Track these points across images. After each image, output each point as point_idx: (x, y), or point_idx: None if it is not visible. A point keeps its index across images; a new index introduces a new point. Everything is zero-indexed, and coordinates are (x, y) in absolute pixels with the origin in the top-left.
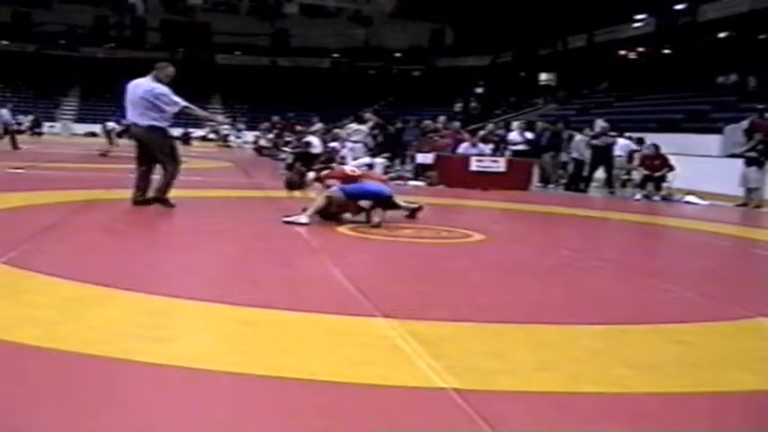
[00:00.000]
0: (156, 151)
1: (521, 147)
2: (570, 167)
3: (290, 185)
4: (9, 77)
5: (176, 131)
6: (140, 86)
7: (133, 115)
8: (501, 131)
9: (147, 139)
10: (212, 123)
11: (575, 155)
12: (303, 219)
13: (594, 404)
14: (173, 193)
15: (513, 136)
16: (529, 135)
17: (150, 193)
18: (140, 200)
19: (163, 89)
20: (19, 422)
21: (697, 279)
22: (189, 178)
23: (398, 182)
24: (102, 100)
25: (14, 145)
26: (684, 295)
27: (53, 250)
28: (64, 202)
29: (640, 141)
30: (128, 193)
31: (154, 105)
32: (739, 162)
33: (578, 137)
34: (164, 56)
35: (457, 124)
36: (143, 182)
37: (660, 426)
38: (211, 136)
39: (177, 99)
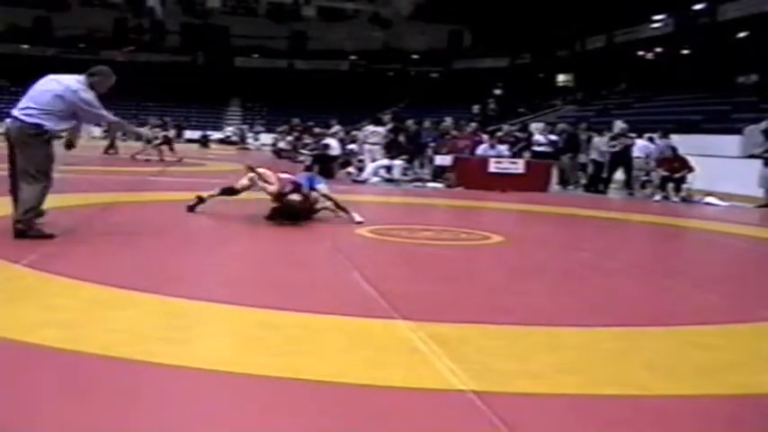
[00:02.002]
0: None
1: (544, 148)
2: (590, 169)
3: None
4: (30, 82)
5: (195, 134)
6: (61, 83)
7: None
8: (518, 133)
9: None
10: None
11: (594, 156)
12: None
13: (615, 407)
14: (177, 197)
15: (538, 137)
16: (553, 137)
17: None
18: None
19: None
20: (40, 423)
21: (717, 281)
22: (208, 181)
23: (417, 184)
24: (122, 103)
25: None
26: (705, 297)
27: (73, 253)
28: (83, 205)
29: (651, 140)
30: (146, 196)
31: (69, 110)
32: (758, 163)
33: (596, 138)
34: (183, 59)
35: (473, 125)
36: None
37: (681, 428)
38: (233, 139)
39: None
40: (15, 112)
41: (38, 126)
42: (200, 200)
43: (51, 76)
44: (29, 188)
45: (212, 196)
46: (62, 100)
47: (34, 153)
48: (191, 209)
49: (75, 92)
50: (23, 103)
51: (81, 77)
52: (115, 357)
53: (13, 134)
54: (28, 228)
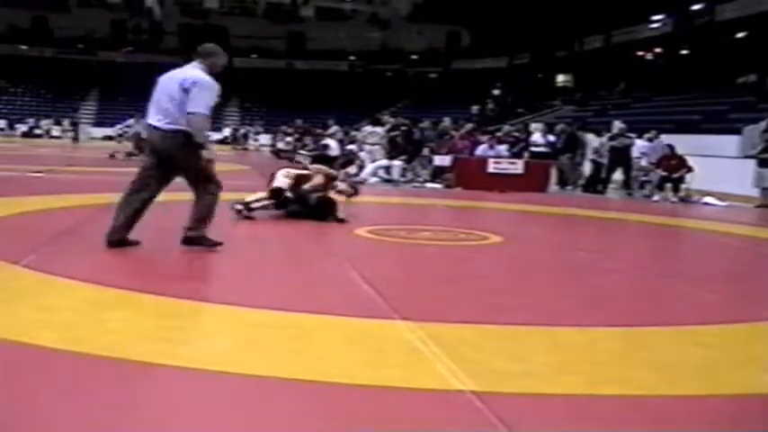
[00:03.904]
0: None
1: (542, 149)
2: (585, 169)
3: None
4: (29, 82)
5: None
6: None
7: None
8: (517, 134)
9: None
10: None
11: (593, 156)
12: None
13: (615, 406)
14: (175, 197)
15: (536, 138)
16: (551, 138)
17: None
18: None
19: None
20: (38, 424)
21: (717, 281)
22: None
23: (416, 184)
24: (120, 104)
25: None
26: (705, 297)
27: (71, 253)
28: (81, 206)
29: (650, 140)
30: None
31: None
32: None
33: (590, 136)
34: (182, 60)
35: (469, 125)
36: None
37: (681, 428)
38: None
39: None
40: (152, 121)
41: (182, 132)
42: (247, 207)
43: (172, 76)
44: (201, 198)
45: (260, 200)
46: (180, 92)
47: (190, 160)
48: (239, 213)
49: (198, 80)
50: (157, 110)
51: (196, 64)
52: (114, 358)
53: (158, 144)
54: (200, 237)
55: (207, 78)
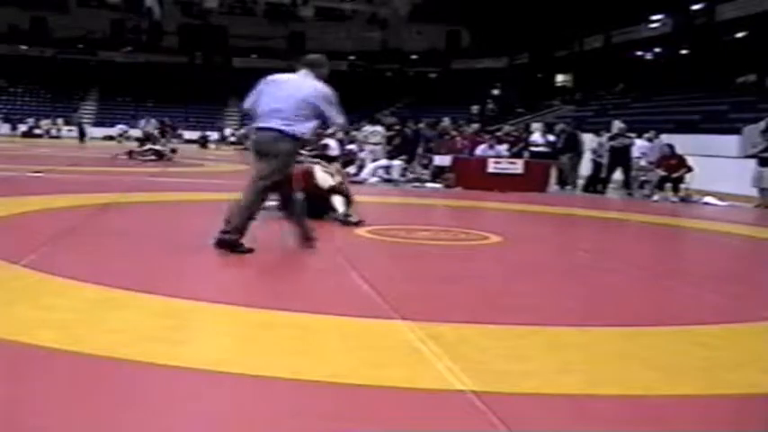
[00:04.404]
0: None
1: (542, 148)
2: (581, 169)
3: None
4: (28, 82)
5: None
6: (302, 85)
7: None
8: (516, 133)
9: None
10: None
11: (592, 156)
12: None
13: (615, 406)
14: (176, 197)
15: (536, 137)
16: (551, 137)
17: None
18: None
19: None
20: (38, 424)
21: (718, 281)
22: (207, 181)
23: (416, 184)
24: (119, 104)
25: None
26: (705, 297)
27: (72, 253)
28: (82, 206)
29: (650, 140)
30: (145, 197)
31: (313, 113)
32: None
33: (587, 136)
34: (182, 60)
35: (475, 126)
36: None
37: (681, 428)
38: (231, 139)
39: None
40: (273, 124)
41: (293, 135)
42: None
43: (278, 79)
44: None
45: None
46: (307, 103)
47: (286, 162)
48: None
49: (326, 92)
50: (269, 111)
51: (306, 73)
52: (114, 358)
53: (265, 145)
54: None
55: (329, 90)
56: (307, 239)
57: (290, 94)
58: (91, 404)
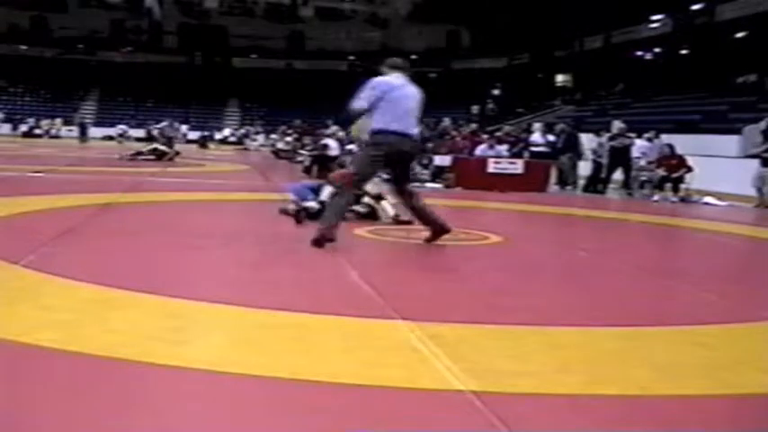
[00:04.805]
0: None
1: (542, 148)
2: (579, 169)
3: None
4: (28, 82)
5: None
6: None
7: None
8: (516, 134)
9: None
10: None
11: (592, 156)
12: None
13: (614, 406)
14: (177, 197)
15: (535, 137)
16: (551, 137)
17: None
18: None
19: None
20: (38, 424)
21: (716, 280)
22: (208, 181)
23: (416, 184)
24: (119, 104)
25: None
26: (704, 297)
27: (72, 253)
28: (82, 206)
29: (650, 140)
30: (145, 197)
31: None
32: (756, 162)
33: (587, 137)
34: (181, 60)
35: (473, 126)
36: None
37: (680, 427)
38: (231, 139)
39: None
40: (401, 128)
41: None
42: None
43: (396, 83)
44: (407, 192)
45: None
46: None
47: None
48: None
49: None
50: (407, 118)
51: (398, 75)
52: (114, 358)
53: (407, 149)
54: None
55: None
56: (324, 236)
57: (416, 99)
58: (91, 404)
